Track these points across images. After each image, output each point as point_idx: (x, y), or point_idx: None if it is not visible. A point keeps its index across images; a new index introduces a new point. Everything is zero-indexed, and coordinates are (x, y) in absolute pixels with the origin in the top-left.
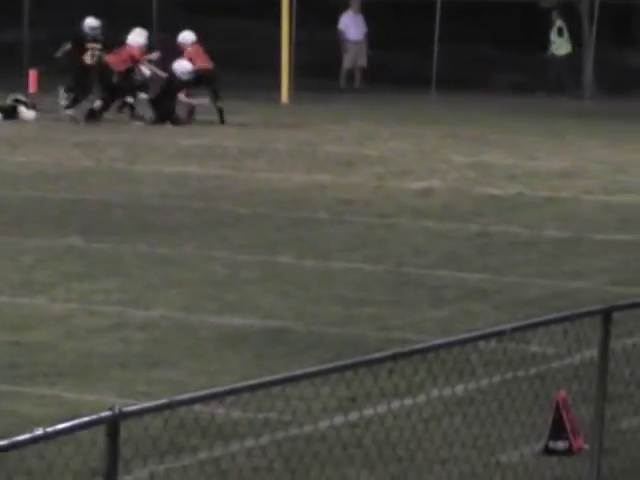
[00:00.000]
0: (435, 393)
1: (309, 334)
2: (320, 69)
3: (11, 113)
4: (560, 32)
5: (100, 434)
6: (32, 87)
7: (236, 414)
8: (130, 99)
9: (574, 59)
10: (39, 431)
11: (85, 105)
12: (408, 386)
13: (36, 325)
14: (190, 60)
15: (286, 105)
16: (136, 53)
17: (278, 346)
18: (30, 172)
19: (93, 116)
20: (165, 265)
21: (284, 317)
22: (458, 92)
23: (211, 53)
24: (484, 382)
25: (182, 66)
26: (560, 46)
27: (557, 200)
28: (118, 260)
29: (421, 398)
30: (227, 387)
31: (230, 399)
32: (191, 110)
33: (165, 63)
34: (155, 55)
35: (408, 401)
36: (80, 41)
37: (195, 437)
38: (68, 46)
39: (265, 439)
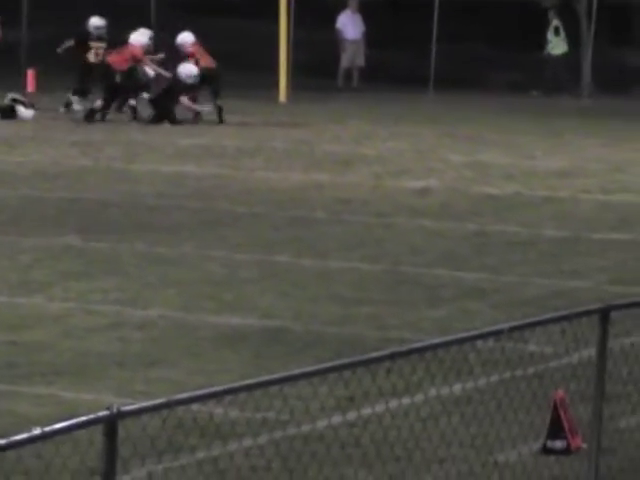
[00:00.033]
0: (433, 392)
1: (307, 333)
2: (318, 68)
3: (9, 113)
4: (556, 31)
5: (98, 434)
6: (30, 87)
7: (234, 413)
8: (133, 101)
9: (571, 58)
10: (37, 430)
11: (85, 104)
12: (406, 385)
13: (34, 324)
14: (196, 62)
15: (284, 104)
16: (138, 53)
17: (276, 345)
18: (28, 171)
19: (92, 116)
20: (163, 264)
21: (282, 316)
22: (456, 91)
23: (209, 53)
24: (482, 381)
25: (187, 70)
26: (556, 45)
27: (555, 199)
28: (116, 259)
29: (419, 397)
30: (225, 386)
31: (228, 398)
32: (197, 113)
33: (168, 64)
34: (159, 56)
35: (406, 400)
36: (84, 40)
37: (193, 436)
38: (71, 43)
39: (263, 438)
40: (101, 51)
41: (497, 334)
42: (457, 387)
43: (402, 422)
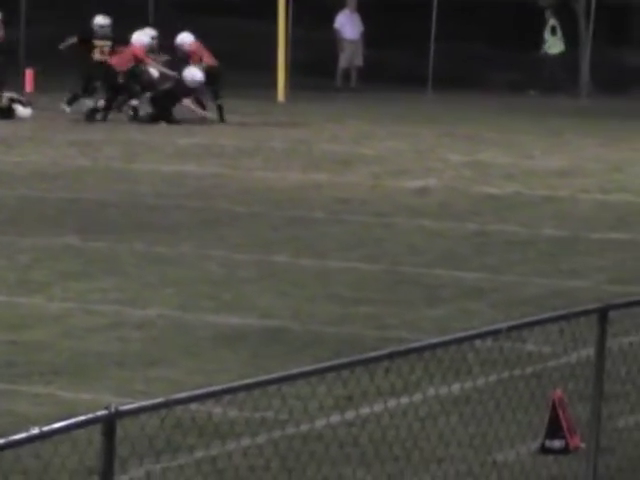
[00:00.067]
0: (431, 392)
1: (306, 333)
2: (316, 68)
3: (7, 113)
4: (553, 31)
5: (96, 433)
6: (29, 86)
7: (233, 413)
8: (135, 101)
9: (569, 58)
10: (35, 430)
11: (85, 103)
12: (404, 385)
13: (33, 324)
14: (200, 60)
15: (282, 104)
16: (139, 53)
17: (275, 345)
18: (27, 171)
19: (94, 115)
20: (162, 264)
21: (281, 316)
22: (454, 91)
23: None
24: (480, 381)
25: (192, 74)
26: (553, 45)
27: (554, 199)
28: (115, 259)
29: (417, 397)
30: (224, 386)
31: (227, 398)
32: (203, 116)
33: (173, 66)
34: (165, 58)
35: (404, 400)
36: (87, 38)
37: (192, 436)
38: (74, 40)
39: (262, 438)
40: (106, 49)
41: (496, 334)
42: (455, 387)
43: (400, 422)
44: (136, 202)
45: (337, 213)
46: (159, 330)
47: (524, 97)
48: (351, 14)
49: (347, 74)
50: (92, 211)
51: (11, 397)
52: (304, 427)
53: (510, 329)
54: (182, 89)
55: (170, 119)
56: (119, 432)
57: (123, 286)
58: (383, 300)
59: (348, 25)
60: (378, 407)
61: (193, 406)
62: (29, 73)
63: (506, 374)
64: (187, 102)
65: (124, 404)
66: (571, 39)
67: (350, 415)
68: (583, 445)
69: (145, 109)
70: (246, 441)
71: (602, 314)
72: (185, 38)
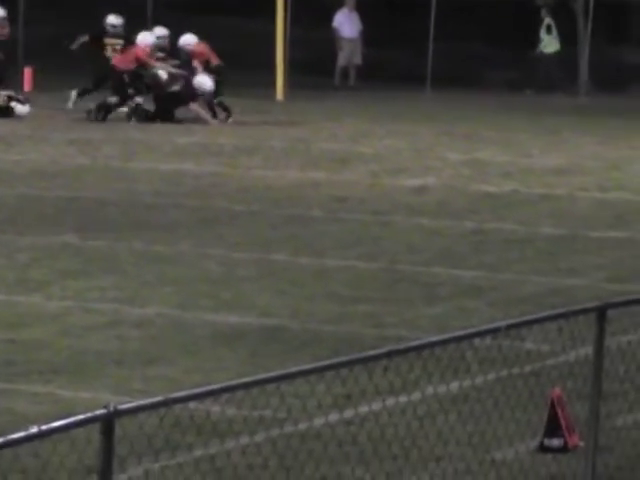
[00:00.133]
0: (430, 390)
1: (304, 332)
2: (315, 67)
3: (5, 111)
4: (549, 30)
5: (95, 432)
6: (27, 85)
7: (231, 411)
8: (139, 99)
9: (567, 56)
10: (34, 429)
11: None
12: (403, 383)
13: (31, 323)
14: (206, 62)
15: (281, 102)
16: (141, 54)
17: (273, 344)
18: (25, 170)
19: (108, 111)
20: (160, 263)
21: (279, 315)
22: (453, 90)
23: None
24: (479, 379)
25: (202, 83)
26: (549, 44)
27: (552, 197)
28: (114, 258)
29: (416, 395)
30: (222, 385)
31: (225, 397)
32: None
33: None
34: (174, 62)
35: (403, 398)
36: (99, 36)
37: (190, 435)
38: (85, 39)
39: (260, 436)
40: (118, 47)
41: (494, 332)
42: (454, 385)
43: (399, 420)
44: (135, 201)
45: (335, 211)
46: (158, 329)
47: (522, 96)
48: (350, 13)
49: (346, 73)
50: (91, 210)
51: (10, 396)
52: (302, 426)
53: (509, 327)
54: (190, 93)
55: (168, 119)
56: (118, 431)
57: (122, 285)
58: (381, 299)
59: (347, 24)
60: (377, 405)
61: (192, 405)
62: (28, 72)
63: (505, 372)
64: (194, 106)
65: (123, 403)
66: (569, 38)
67: (349, 414)
68: (582, 444)
69: (147, 104)
70: (244, 440)
71: (600, 312)
72: (188, 39)
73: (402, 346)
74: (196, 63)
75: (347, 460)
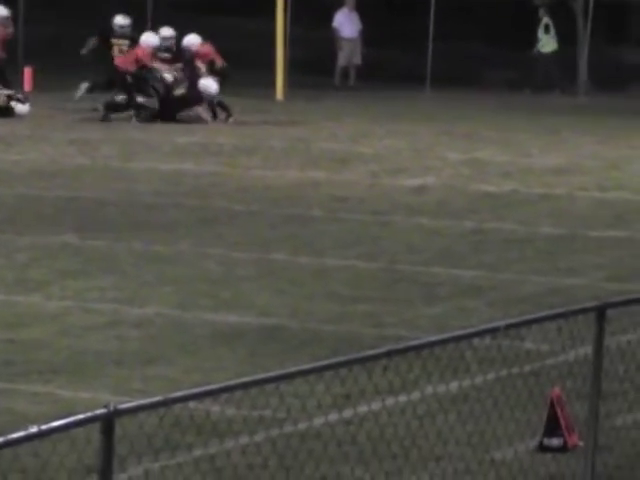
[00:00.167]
0: (429, 390)
1: (303, 331)
2: (315, 66)
3: (5, 111)
4: (546, 29)
5: (95, 432)
6: (27, 85)
7: (231, 411)
8: (141, 98)
9: (566, 56)
10: (33, 429)
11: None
12: (402, 383)
13: (31, 323)
14: (211, 62)
15: (281, 102)
16: (141, 55)
17: (272, 343)
18: (25, 170)
19: (111, 109)
20: (160, 263)
21: (278, 314)
22: (452, 89)
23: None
24: (478, 379)
25: (207, 87)
26: (546, 43)
27: (552, 197)
28: (113, 258)
29: (415, 395)
30: (222, 384)
31: (225, 396)
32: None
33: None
34: (178, 65)
35: (402, 398)
36: (106, 37)
37: (190, 434)
38: (94, 41)
39: (260, 436)
40: (125, 48)
41: (494, 332)
42: (454, 385)
43: (399, 420)
44: (134, 201)
45: (335, 211)
46: (157, 328)
47: (521, 95)
48: (349, 13)
49: (345, 72)
50: (90, 210)
51: (9, 396)
52: (302, 425)
53: (508, 327)
54: (196, 96)
55: (167, 119)
56: (118, 431)
57: (121, 285)
58: (381, 298)
59: (346, 24)
60: (376, 405)
61: (191, 404)
62: (28, 72)
63: (504, 372)
64: (198, 109)
65: (122, 403)
66: (569, 37)
67: (348, 413)
68: (581, 443)
69: (152, 103)
70: (244, 439)
71: (600, 312)
72: (192, 40)
73: (401, 346)
74: (199, 63)
75: (347, 460)
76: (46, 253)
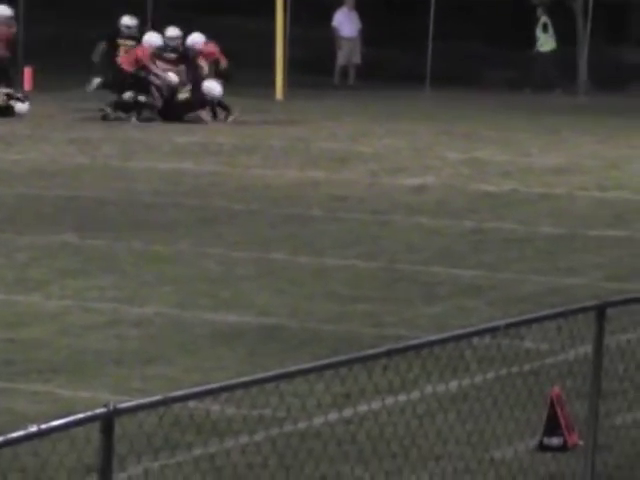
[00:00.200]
0: (429, 389)
1: (303, 331)
2: (314, 66)
3: (5, 111)
4: (545, 28)
5: (94, 431)
6: (27, 85)
7: (230, 410)
8: (142, 97)
9: (566, 55)
10: (33, 428)
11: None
12: (402, 382)
13: (31, 322)
14: (216, 62)
15: (280, 101)
16: (141, 55)
17: (272, 343)
18: (25, 169)
19: (120, 107)
20: (159, 262)
21: (278, 314)
22: (452, 89)
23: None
24: (478, 378)
25: (211, 89)
26: (545, 42)
27: (551, 196)
28: (113, 257)
29: (415, 394)
30: (221, 384)
31: (224, 396)
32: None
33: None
34: (180, 67)
35: (402, 397)
36: (113, 38)
37: (190, 433)
38: (103, 46)
39: (259, 435)
40: (130, 48)
41: (493, 331)
42: (453, 384)
43: (398, 419)
44: (134, 200)
45: (335, 211)
46: (157, 328)
47: (521, 95)
48: (349, 12)
49: (345, 72)
50: (90, 209)
51: (9, 395)
52: (302, 425)
53: (508, 326)
54: (199, 99)
55: (167, 119)
56: (117, 430)
57: (121, 284)
58: (380, 298)
59: (346, 23)
60: (376, 405)
61: (191, 404)
62: (27, 71)
63: (504, 371)
64: (202, 113)
65: (122, 402)
66: (569, 37)
67: (348, 413)
68: (581, 442)
69: (158, 101)
70: (244, 439)
71: (600, 311)
72: (196, 39)
73: (401, 345)
74: (202, 62)
75: (346, 459)
76: (46, 252)
